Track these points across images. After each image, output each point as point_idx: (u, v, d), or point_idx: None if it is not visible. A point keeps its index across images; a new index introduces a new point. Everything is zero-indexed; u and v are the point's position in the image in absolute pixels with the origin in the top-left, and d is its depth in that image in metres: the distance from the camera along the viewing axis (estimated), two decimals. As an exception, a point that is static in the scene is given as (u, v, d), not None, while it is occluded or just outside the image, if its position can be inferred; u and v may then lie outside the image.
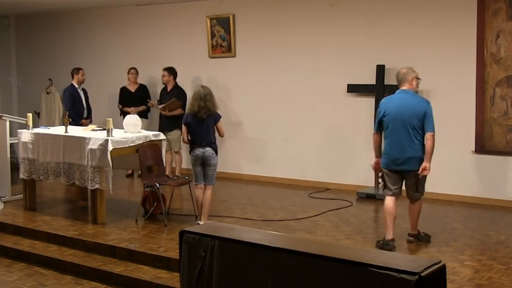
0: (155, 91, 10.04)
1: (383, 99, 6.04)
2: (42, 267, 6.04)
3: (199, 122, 6.51)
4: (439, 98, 7.86)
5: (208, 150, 6.52)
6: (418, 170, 5.68)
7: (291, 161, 9.13)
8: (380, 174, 6.20)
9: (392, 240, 5.80)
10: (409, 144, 5.70)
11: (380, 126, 5.93)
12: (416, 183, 5.81)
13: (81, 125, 8.69)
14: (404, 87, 5.83)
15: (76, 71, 9.31)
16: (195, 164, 6.58)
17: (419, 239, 6.04)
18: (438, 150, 7.83)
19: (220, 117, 6.66)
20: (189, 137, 6.61)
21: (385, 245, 5.75)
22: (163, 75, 9.29)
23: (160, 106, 9.09)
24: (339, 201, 7.84)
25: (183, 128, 6.70)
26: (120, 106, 9.77)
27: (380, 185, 6.06)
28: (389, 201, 5.85)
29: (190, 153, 6.64)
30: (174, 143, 9.20)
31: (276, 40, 9.16)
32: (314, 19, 8.79)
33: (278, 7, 9.14)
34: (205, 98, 6.49)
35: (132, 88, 9.82)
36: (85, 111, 9.31)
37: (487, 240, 6.17)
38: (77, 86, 9.22)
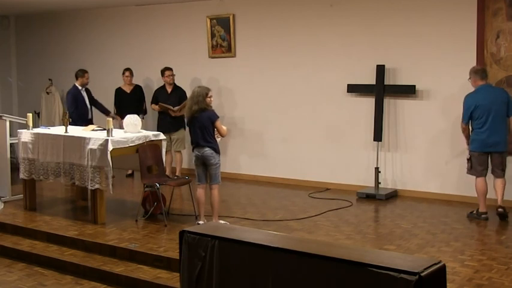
0: (152, 92, 10.01)
1: (468, 95, 6.88)
2: (42, 267, 6.04)
3: (193, 123, 6.56)
4: (439, 98, 7.87)
5: (207, 150, 6.52)
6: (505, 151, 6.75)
7: (291, 161, 9.12)
8: (468, 157, 6.93)
9: (485, 212, 6.75)
10: (498, 129, 6.69)
11: (469, 118, 6.82)
12: (502, 163, 6.75)
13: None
14: (486, 83, 6.83)
15: (81, 73, 9.08)
16: (196, 164, 6.61)
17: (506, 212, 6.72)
18: (438, 151, 7.92)
19: (217, 117, 6.60)
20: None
21: (478, 216, 6.79)
22: (171, 75, 9.24)
23: (176, 108, 9.03)
24: (339, 201, 7.83)
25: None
26: (115, 109, 9.72)
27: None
28: (480, 181, 6.79)
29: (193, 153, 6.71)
30: (179, 143, 9.19)
31: (276, 40, 9.16)
32: (314, 19, 8.79)
33: (278, 7, 9.13)
34: (189, 99, 6.66)
35: (128, 89, 9.78)
36: (89, 113, 9.22)
37: (487, 240, 6.18)
38: (80, 88, 9.05)
